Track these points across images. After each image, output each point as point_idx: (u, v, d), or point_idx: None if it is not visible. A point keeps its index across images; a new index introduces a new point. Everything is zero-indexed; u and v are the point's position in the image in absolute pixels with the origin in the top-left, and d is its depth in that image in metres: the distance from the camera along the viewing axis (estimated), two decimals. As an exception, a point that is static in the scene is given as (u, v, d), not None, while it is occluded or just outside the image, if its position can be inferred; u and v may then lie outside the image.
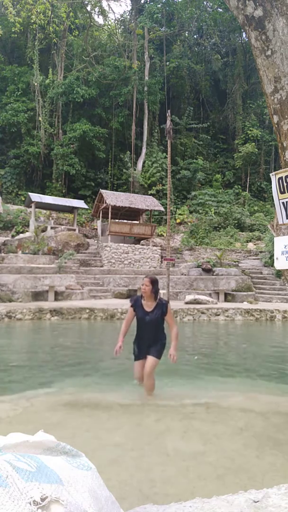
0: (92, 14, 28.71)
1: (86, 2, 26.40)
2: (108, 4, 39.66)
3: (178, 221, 25.14)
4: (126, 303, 13.41)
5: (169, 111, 16.14)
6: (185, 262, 19.26)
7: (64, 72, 28.87)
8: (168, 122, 14.70)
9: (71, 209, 22.27)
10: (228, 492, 1.26)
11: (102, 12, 30.82)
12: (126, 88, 28.55)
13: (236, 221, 25.50)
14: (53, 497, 1.00)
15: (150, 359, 4.30)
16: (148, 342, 4.36)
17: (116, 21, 34.66)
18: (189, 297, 14.43)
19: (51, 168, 28.04)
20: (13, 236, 20.06)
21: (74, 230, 20.84)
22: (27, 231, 20.70)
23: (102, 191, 20.95)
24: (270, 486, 1.27)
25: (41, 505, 0.97)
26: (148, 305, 4.31)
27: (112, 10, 51.08)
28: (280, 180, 2.86)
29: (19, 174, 27.26)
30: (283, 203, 2.86)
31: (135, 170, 28.47)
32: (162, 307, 4.33)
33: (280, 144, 2.97)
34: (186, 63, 32.26)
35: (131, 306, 4.33)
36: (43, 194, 24.11)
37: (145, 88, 29.52)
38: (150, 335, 4.34)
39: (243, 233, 24.63)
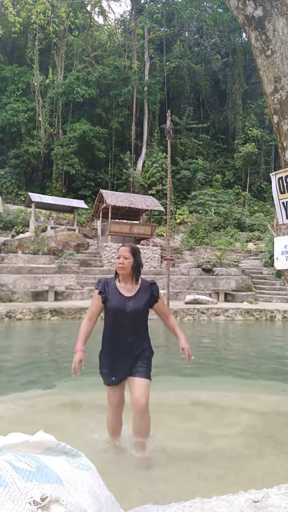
0: (92, 14, 28.71)
1: (86, 2, 26.40)
2: (108, 4, 39.68)
3: (178, 221, 25.14)
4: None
5: (169, 111, 16.12)
6: (185, 262, 19.26)
7: (64, 72, 28.87)
8: (168, 122, 14.68)
9: (71, 209, 22.26)
10: (228, 492, 1.26)
11: (102, 12, 30.81)
12: (126, 88, 28.55)
13: (236, 221, 25.50)
14: (53, 497, 1.00)
15: (141, 383, 2.74)
16: (128, 350, 2.80)
17: (116, 21, 34.67)
18: (189, 297, 14.43)
19: (51, 168, 28.03)
20: (13, 236, 20.06)
21: (74, 230, 20.84)
22: (27, 231, 20.70)
23: (102, 191, 20.94)
24: (270, 486, 1.27)
25: (41, 505, 0.97)
26: (127, 289, 2.85)
27: (112, 10, 51.20)
28: (280, 180, 2.86)
29: (19, 174, 27.26)
30: (283, 203, 2.86)
31: (135, 170, 28.46)
32: (149, 289, 2.89)
33: (280, 144, 2.97)
34: (186, 63, 32.26)
35: (99, 292, 2.85)
36: (43, 194, 24.11)
37: (145, 88, 29.53)
38: (131, 338, 2.79)
39: (243, 233, 24.63)
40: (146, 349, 2.87)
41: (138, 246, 19.40)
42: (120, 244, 3.04)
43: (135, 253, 2.88)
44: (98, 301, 2.88)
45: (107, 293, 2.86)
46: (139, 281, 2.92)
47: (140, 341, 2.85)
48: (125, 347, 2.81)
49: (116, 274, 2.92)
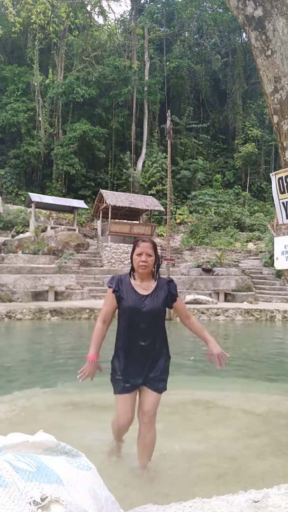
0: (92, 14, 28.69)
1: (86, 2, 26.37)
2: (108, 4, 39.66)
3: (178, 221, 25.14)
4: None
5: (169, 111, 16.15)
6: (185, 262, 19.26)
7: (64, 72, 28.87)
8: (168, 122, 14.70)
9: (71, 209, 22.26)
10: (228, 492, 1.26)
11: (102, 12, 30.80)
12: (126, 88, 28.55)
13: (236, 221, 25.50)
14: (53, 497, 1.00)
15: (154, 397, 2.56)
16: (145, 355, 2.54)
17: (116, 21, 34.67)
18: (189, 297, 14.43)
19: (51, 168, 28.04)
20: (13, 236, 20.06)
21: (74, 230, 20.84)
22: (27, 231, 20.70)
23: (102, 191, 20.95)
24: (270, 486, 1.27)
25: (41, 505, 0.97)
26: (144, 286, 2.58)
27: (112, 10, 51.13)
28: (280, 180, 2.86)
29: (19, 174, 27.26)
30: (283, 203, 2.86)
31: (135, 170, 28.47)
32: (166, 286, 2.62)
33: (280, 144, 2.97)
34: (186, 63, 32.26)
35: (113, 291, 2.58)
36: (43, 194, 24.11)
37: (145, 88, 29.53)
38: (147, 340, 2.52)
39: (243, 233, 24.63)
40: (163, 354, 2.61)
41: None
42: (138, 240, 2.63)
43: (156, 248, 2.64)
44: (112, 300, 2.59)
45: (121, 291, 2.57)
46: (156, 278, 2.65)
47: (158, 344, 2.58)
48: (142, 352, 2.53)
49: (132, 270, 2.64)
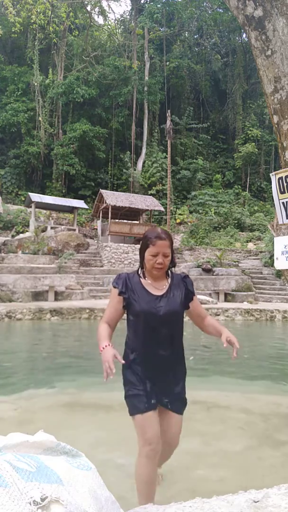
0: (92, 14, 28.69)
1: (86, 2, 26.38)
2: (108, 4, 39.66)
3: (178, 221, 25.14)
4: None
5: (169, 111, 16.16)
6: (185, 262, 19.26)
7: (64, 72, 28.88)
8: (168, 122, 14.70)
9: (71, 209, 22.27)
10: (228, 492, 1.26)
11: (102, 12, 30.81)
12: (126, 88, 28.56)
13: (236, 221, 25.50)
14: (53, 497, 1.00)
15: (178, 421, 2.22)
16: (168, 367, 2.18)
17: (116, 21, 34.69)
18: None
19: (51, 168, 28.04)
20: (13, 236, 20.06)
21: (74, 230, 20.84)
22: (27, 231, 20.71)
23: (102, 191, 20.95)
24: (270, 486, 1.27)
25: (41, 505, 0.97)
26: (156, 285, 2.20)
27: (112, 10, 51.16)
28: (280, 180, 2.86)
29: (19, 174, 27.27)
30: (283, 203, 2.86)
31: (135, 170, 28.47)
32: (182, 283, 2.27)
33: (280, 144, 2.97)
34: (186, 63, 32.27)
35: (119, 293, 2.18)
36: (43, 194, 24.12)
37: (145, 88, 29.53)
38: (168, 350, 2.16)
39: (243, 233, 24.64)
40: (183, 366, 2.27)
41: (138, 246, 19.37)
42: (153, 234, 2.15)
43: (173, 243, 2.22)
44: (118, 303, 2.18)
45: (130, 293, 2.17)
46: (169, 275, 2.27)
47: (179, 353, 2.23)
48: (163, 363, 2.15)
49: (141, 268, 2.25)
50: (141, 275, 2.24)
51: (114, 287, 2.21)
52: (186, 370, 2.29)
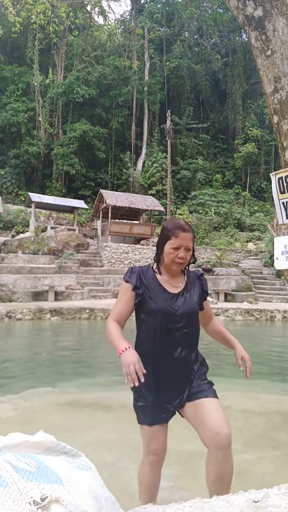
0: (92, 14, 28.70)
1: (86, 2, 26.38)
2: (108, 4, 39.66)
3: (178, 221, 25.13)
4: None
5: (169, 111, 16.15)
6: (185, 262, 19.25)
7: (64, 72, 28.89)
8: (168, 122, 14.70)
9: (71, 209, 22.27)
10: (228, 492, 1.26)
11: (102, 12, 30.81)
12: (126, 88, 28.56)
13: (236, 221, 25.51)
14: (53, 497, 1.00)
15: (215, 405, 1.87)
16: (181, 371, 1.97)
17: (116, 21, 34.69)
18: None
19: (51, 168, 28.05)
20: (13, 236, 20.07)
21: (74, 230, 20.84)
22: (27, 231, 20.71)
23: (102, 191, 20.95)
24: (270, 486, 1.27)
25: (41, 505, 0.97)
26: (173, 282, 2.03)
27: (112, 10, 51.17)
28: (280, 180, 2.86)
29: (19, 174, 27.28)
30: (283, 203, 2.86)
31: (135, 170, 28.48)
32: (197, 282, 2.11)
33: (280, 144, 2.97)
34: (186, 63, 32.28)
35: (134, 287, 1.97)
36: (43, 194, 24.12)
37: (145, 88, 29.54)
38: (183, 352, 1.97)
39: (243, 233, 24.64)
40: (202, 365, 2.05)
41: (138, 246, 19.41)
42: (175, 225, 1.96)
43: (194, 237, 2.03)
44: (130, 299, 1.98)
45: (145, 289, 1.97)
46: (185, 272, 2.09)
47: (194, 355, 2.03)
48: (176, 367, 1.94)
49: (157, 262, 2.04)
50: (156, 270, 2.03)
51: (127, 281, 2.00)
52: (207, 367, 2.08)
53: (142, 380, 1.68)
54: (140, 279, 1.99)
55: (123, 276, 2.06)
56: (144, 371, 1.70)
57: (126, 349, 1.77)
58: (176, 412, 2.01)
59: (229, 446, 1.79)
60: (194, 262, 2.05)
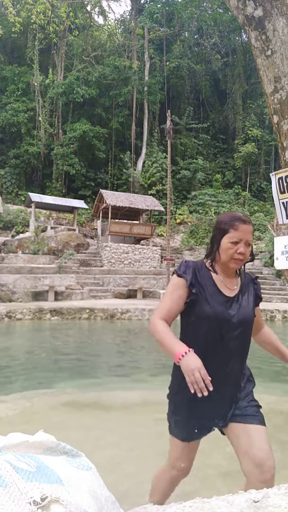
0: (92, 14, 28.71)
1: (86, 2, 26.38)
2: (108, 4, 39.68)
3: (178, 221, 25.15)
4: (126, 303, 13.40)
5: (169, 111, 16.15)
6: (185, 262, 19.24)
7: (64, 72, 28.89)
8: (168, 122, 14.70)
9: (71, 209, 22.28)
10: (228, 492, 1.27)
11: (102, 12, 30.82)
12: (126, 88, 28.56)
13: (236, 221, 25.50)
14: (53, 497, 1.00)
15: (262, 435, 1.71)
16: (228, 384, 1.77)
17: (116, 21, 34.70)
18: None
19: (51, 168, 28.05)
20: (13, 236, 20.07)
21: (74, 230, 20.85)
22: (27, 231, 20.71)
23: (102, 191, 20.96)
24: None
25: (41, 505, 0.97)
26: (228, 284, 1.79)
27: (112, 10, 51.15)
28: (280, 180, 2.86)
29: (19, 174, 27.28)
30: (283, 203, 2.86)
31: (135, 170, 28.48)
32: (251, 286, 1.89)
33: (280, 144, 2.97)
34: (186, 63, 32.28)
35: (189, 284, 1.73)
36: (43, 194, 24.13)
37: (145, 88, 29.54)
38: (235, 364, 1.80)
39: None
40: (249, 381, 1.88)
41: (138, 246, 19.41)
42: (234, 217, 1.76)
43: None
44: (182, 298, 1.74)
45: (200, 288, 1.74)
46: (239, 273, 1.86)
47: (244, 368, 1.87)
48: (225, 382, 1.73)
49: (211, 260, 1.80)
50: (211, 268, 1.80)
51: (180, 276, 1.75)
52: (254, 383, 1.90)
53: (211, 389, 1.50)
54: (195, 276, 1.75)
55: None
56: (209, 378, 1.51)
57: (186, 352, 1.57)
58: (215, 429, 1.83)
59: (272, 478, 1.66)
60: (252, 261, 1.83)
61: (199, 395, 1.50)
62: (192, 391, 1.50)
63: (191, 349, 1.58)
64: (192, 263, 1.80)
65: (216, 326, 1.71)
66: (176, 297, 1.74)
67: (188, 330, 1.78)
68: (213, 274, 1.78)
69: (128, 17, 35.68)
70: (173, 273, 1.81)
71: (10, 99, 27.16)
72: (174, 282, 1.77)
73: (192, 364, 1.52)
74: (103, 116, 29.33)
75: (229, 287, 1.78)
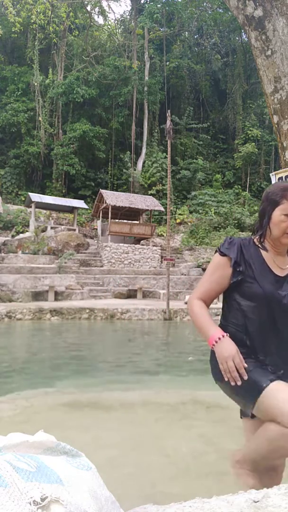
0: (92, 14, 28.72)
1: (86, 2, 26.37)
2: (108, 4, 39.70)
3: (178, 221, 25.15)
4: (126, 303, 13.41)
5: (169, 111, 16.11)
6: (185, 262, 19.26)
7: (64, 72, 28.89)
8: (168, 122, 14.68)
9: (71, 209, 22.28)
10: (228, 492, 1.27)
11: (102, 12, 30.82)
12: (126, 88, 28.56)
13: (236, 221, 25.50)
14: (53, 497, 1.00)
15: None
16: (282, 359, 1.60)
17: (116, 21, 34.70)
18: (189, 297, 14.44)
19: (51, 168, 28.05)
20: (13, 236, 20.07)
21: (74, 230, 20.85)
22: (27, 231, 20.71)
23: (102, 191, 20.96)
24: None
25: (41, 505, 0.97)
26: (279, 263, 1.64)
27: (112, 10, 51.16)
28: (280, 180, 2.86)
29: (19, 174, 27.28)
30: (283, 203, 2.86)
31: (135, 170, 28.48)
32: None
33: (280, 144, 2.97)
34: (186, 63, 32.28)
35: (234, 263, 1.60)
36: (43, 194, 24.13)
37: (145, 88, 29.54)
38: (284, 351, 1.60)
39: (243, 233, 24.61)
40: None
41: (138, 246, 19.41)
42: (285, 188, 1.60)
43: None
44: (225, 278, 1.61)
45: (247, 267, 1.59)
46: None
47: None
48: (275, 360, 1.58)
49: (260, 233, 1.66)
50: (260, 245, 1.65)
51: (223, 254, 1.61)
52: None
53: (246, 378, 1.40)
54: (241, 253, 1.60)
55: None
56: (246, 365, 1.41)
57: (220, 338, 1.46)
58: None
59: None
60: None
61: (232, 384, 1.42)
62: (226, 380, 1.43)
63: (226, 334, 1.48)
64: (237, 239, 1.65)
65: (268, 308, 1.56)
66: (218, 277, 1.61)
67: (233, 312, 1.64)
68: (263, 252, 1.62)
69: (128, 17, 35.68)
70: (216, 251, 1.66)
71: (10, 99, 27.16)
72: (216, 261, 1.63)
73: (226, 351, 1.42)
74: (103, 116, 29.33)
75: (281, 266, 1.62)
